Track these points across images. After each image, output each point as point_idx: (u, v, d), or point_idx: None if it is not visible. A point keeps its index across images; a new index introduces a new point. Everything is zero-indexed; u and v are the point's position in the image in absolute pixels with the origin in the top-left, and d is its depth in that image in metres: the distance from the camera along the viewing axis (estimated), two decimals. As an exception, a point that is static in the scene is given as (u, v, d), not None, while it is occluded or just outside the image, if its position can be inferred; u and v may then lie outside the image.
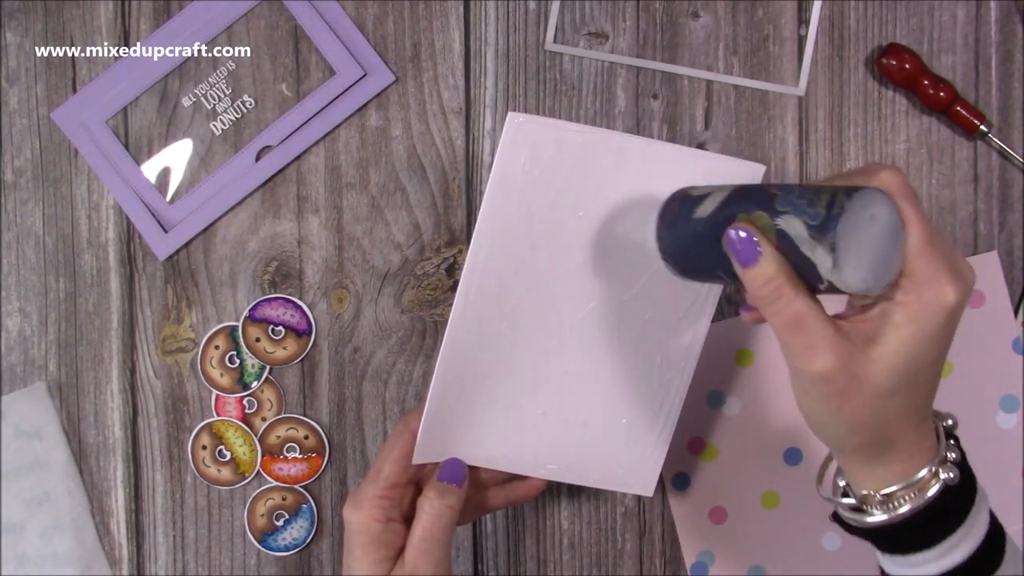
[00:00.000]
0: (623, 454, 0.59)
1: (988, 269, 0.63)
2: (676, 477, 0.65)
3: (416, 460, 0.56)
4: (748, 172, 0.55)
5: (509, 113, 0.54)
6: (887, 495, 0.47)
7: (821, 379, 0.45)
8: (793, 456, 0.64)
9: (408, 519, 0.55)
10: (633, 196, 0.56)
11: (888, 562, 0.49)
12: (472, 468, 0.58)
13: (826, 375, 0.44)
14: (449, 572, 0.55)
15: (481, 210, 0.55)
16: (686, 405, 0.62)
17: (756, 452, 0.64)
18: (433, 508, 0.54)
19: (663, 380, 0.58)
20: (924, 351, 0.45)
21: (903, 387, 0.45)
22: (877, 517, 0.47)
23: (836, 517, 0.50)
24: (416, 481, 0.57)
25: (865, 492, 0.47)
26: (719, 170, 0.55)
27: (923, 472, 0.46)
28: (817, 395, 0.46)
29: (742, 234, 0.45)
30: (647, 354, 0.58)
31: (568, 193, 0.56)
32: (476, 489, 0.59)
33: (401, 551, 0.55)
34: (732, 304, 0.65)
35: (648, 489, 0.59)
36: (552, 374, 0.58)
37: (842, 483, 0.50)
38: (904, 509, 0.46)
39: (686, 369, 0.58)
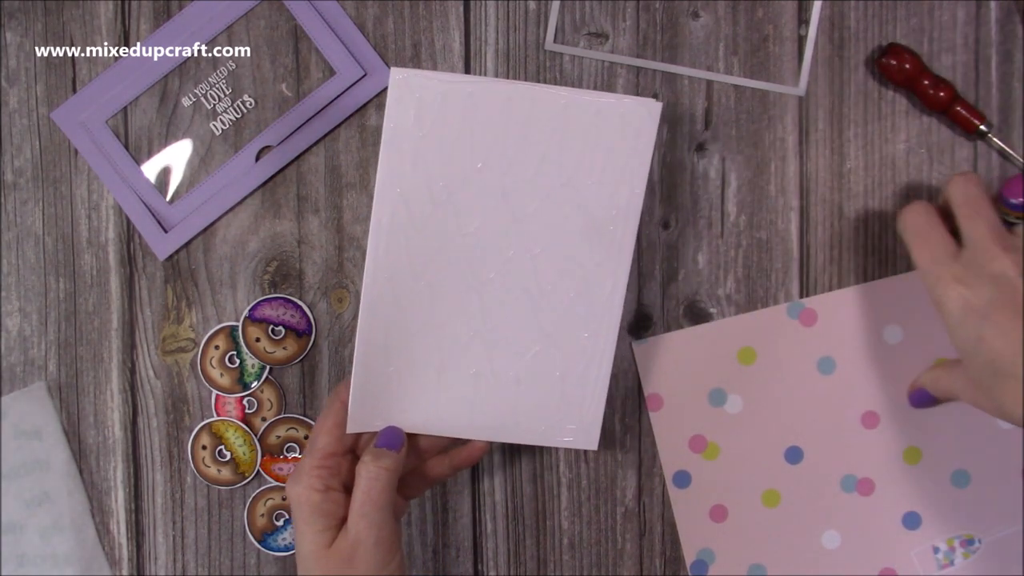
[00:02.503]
0: (561, 410, 0.59)
1: None
2: (677, 475, 0.65)
3: (349, 429, 0.57)
4: (644, 110, 0.56)
5: (392, 69, 0.55)
6: None
7: None
8: (794, 455, 0.64)
9: (349, 489, 0.56)
10: (529, 143, 0.56)
11: None
12: (411, 436, 0.59)
13: None
14: (394, 537, 0.55)
15: (378, 172, 0.56)
16: (688, 401, 0.62)
17: (757, 450, 0.64)
18: (370, 472, 0.54)
19: (590, 330, 0.58)
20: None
21: None
22: None
23: None
24: (354, 451, 0.58)
25: None
26: (611, 109, 0.56)
27: None
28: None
29: None
30: (569, 305, 0.58)
31: (462, 146, 0.56)
32: (418, 458, 0.60)
33: (344, 521, 0.55)
34: (733, 304, 0.65)
35: (591, 443, 0.60)
36: (477, 333, 0.58)
37: None
38: None
39: (611, 318, 0.58)
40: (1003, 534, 0.63)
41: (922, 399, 0.61)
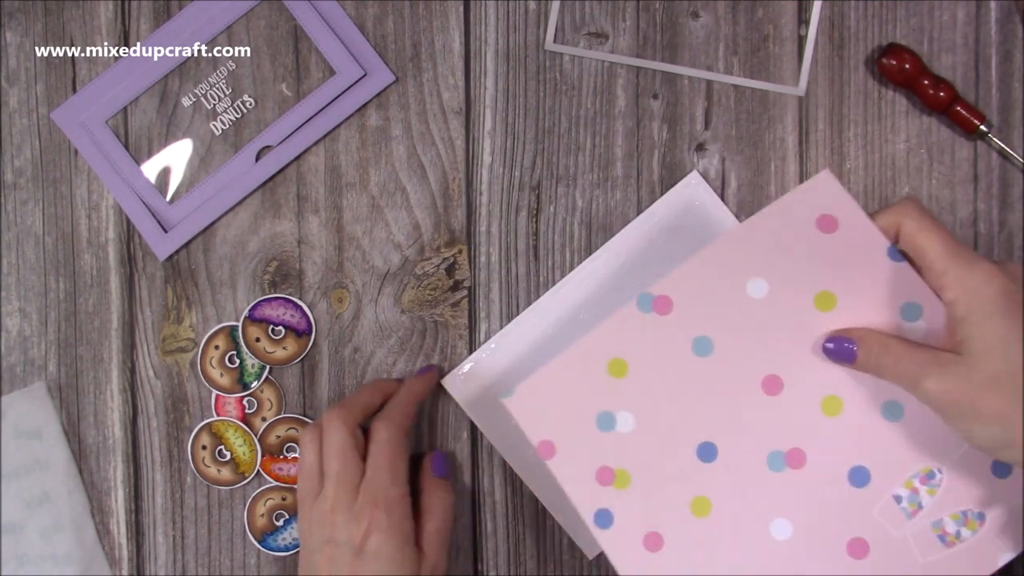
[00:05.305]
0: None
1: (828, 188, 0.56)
2: (597, 515, 0.57)
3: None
4: None
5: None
6: None
7: (943, 395, 0.49)
8: (707, 452, 0.57)
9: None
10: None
11: None
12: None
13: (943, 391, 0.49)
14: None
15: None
16: (579, 436, 0.57)
17: (668, 462, 0.57)
18: (444, 502, 0.60)
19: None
20: (1002, 325, 0.48)
21: (1014, 363, 0.47)
22: None
23: None
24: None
25: None
26: None
27: None
28: (958, 414, 0.49)
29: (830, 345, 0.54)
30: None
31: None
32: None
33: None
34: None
35: (591, 552, 0.62)
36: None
37: None
38: None
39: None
40: (961, 453, 0.55)
41: (843, 355, 0.54)
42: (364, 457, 0.58)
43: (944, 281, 0.50)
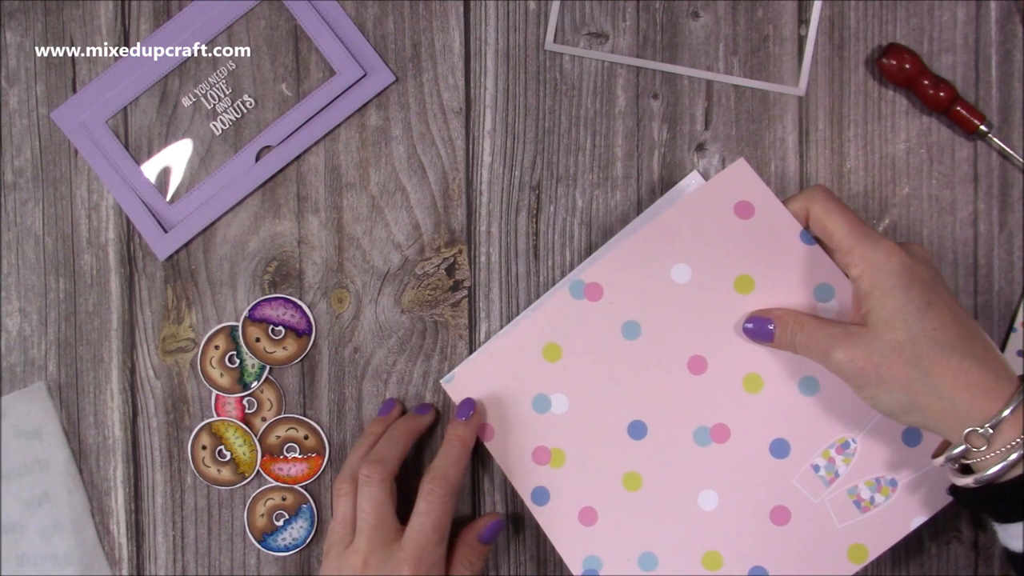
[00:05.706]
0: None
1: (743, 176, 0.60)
2: (534, 493, 0.61)
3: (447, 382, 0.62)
4: None
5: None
6: (995, 424, 0.49)
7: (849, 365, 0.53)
8: (637, 429, 0.60)
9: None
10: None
11: (1008, 533, 0.51)
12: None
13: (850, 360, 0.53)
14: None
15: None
16: (516, 418, 0.61)
17: (600, 440, 0.61)
18: (474, 566, 0.61)
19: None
20: (902, 297, 0.51)
21: (913, 332, 0.51)
22: (992, 465, 0.49)
23: (954, 490, 0.54)
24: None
25: (969, 429, 0.50)
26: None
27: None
28: (864, 382, 0.52)
29: (750, 325, 0.58)
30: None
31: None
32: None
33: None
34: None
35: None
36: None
37: (957, 450, 0.52)
38: (1014, 455, 0.49)
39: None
40: (873, 423, 0.59)
41: (762, 334, 0.58)
42: (398, 510, 0.59)
43: (849, 259, 0.53)
